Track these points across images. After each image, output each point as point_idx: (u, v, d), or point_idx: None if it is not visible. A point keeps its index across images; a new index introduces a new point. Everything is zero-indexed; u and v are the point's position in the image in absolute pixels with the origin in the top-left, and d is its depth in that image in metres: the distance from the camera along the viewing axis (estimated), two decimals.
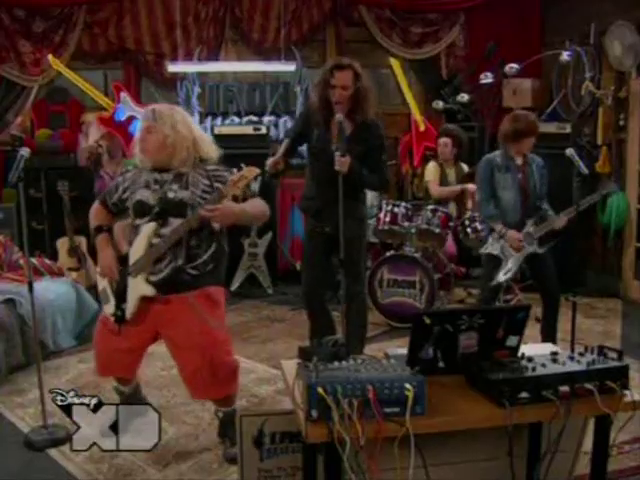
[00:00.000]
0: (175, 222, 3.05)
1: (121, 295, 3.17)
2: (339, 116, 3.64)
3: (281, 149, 3.98)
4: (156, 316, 3.14)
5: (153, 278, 3.09)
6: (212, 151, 3.21)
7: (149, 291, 3.09)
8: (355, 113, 3.76)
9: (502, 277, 4.29)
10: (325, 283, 4.28)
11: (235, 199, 3.07)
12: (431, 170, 6.07)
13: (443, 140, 6.06)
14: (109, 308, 3.22)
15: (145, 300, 3.11)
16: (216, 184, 3.08)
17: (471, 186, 5.87)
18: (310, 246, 4.12)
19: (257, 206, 3.25)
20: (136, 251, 3.12)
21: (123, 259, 3.19)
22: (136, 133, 3.25)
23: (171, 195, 3.08)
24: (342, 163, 3.58)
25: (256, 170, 2.98)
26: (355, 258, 3.96)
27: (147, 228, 3.09)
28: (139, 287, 3.11)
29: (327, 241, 3.96)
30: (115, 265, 3.19)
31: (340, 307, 3.90)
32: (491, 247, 4.34)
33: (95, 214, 3.35)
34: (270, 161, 3.93)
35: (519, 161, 4.31)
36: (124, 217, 3.37)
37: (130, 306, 3.14)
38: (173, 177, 3.11)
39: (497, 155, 4.36)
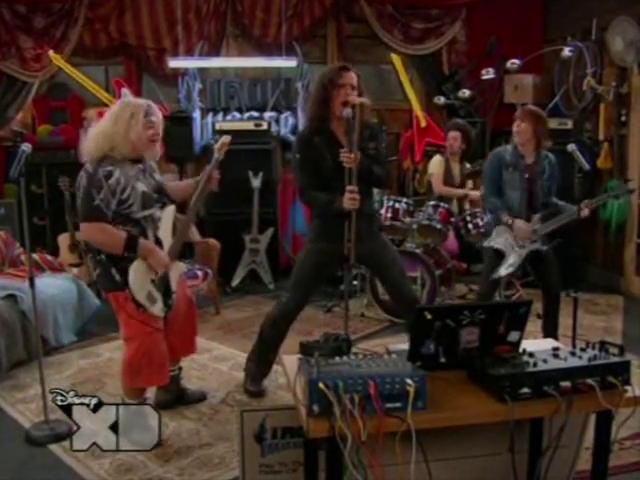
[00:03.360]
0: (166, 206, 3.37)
1: (167, 288, 3.36)
2: (348, 111, 3.44)
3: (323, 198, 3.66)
4: None
5: None
6: None
7: (184, 267, 3.51)
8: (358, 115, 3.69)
9: (503, 271, 4.26)
10: (308, 301, 3.98)
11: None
12: (435, 164, 6.05)
13: (453, 134, 6.02)
14: (157, 307, 3.30)
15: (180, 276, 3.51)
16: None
17: (473, 193, 5.87)
18: (309, 264, 3.79)
19: None
20: (165, 239, 3.32)
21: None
22: (140, 125, 3.16)
23: (158, 180, 3.38)
24: (350, 159, 3.41)
25: (229, 137, 3.49)
26: (397, 261, 3.88)
27: (167, 214, 3.34)
28: (177, 269, 3.45)
29: (334, 261, 3.79)
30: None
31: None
32: (494, 241, 4.30)
33: (108, 233, 3.14)
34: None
35: (530, 160, 4.26)
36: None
37: (175, 291, 3.43)
38: (145, 166, 3.32)
39: (507, 151, 4.30)
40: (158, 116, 3.28)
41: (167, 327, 3.43)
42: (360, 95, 3.54)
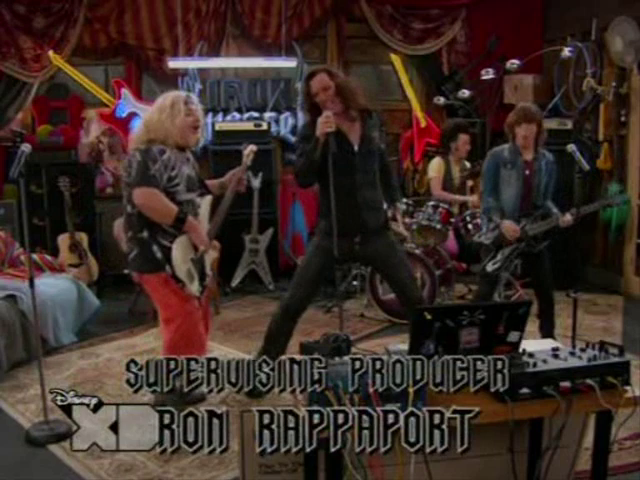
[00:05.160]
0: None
1: (202, 271, 3.53)
2: (327, 113, 3.53)
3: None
4: None
5: None
6: None
7: (216, 253, 3.75)
8: (350, 108, 3.69)
9: (490, 267, 4.30)
10: (313, 299, 4.05)
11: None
12: (434, 167, 6.03)
13: (464, 137, 5.97)
14: (195, 286, 3.47)
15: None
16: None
17: (473, 199, 5.86)
18: (316, 262, 3.82)
19: None
20: (203, 225, 3.53)
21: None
22: (182, 113, 3.37)
23: (197, 170, 3.59)
24: (328, 121, 3.48)
25: (255, 147, 3.82)
26: (405, 262, 3.92)
27: (205, 203, 3.57)
28: (210, 254, 3.62)
29: (335, 258, 3.71)
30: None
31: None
32: (484, 236, 4.35)
33: (162, 200, 3.29)
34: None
35: (528, 157, 4.28)
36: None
37: (209, 274, 3.61)
38: (189, 155, 3.54)
39: (505, 149, 4.32)
40: (197, 105, 3.50)
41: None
42: (338, 85, 3.61)
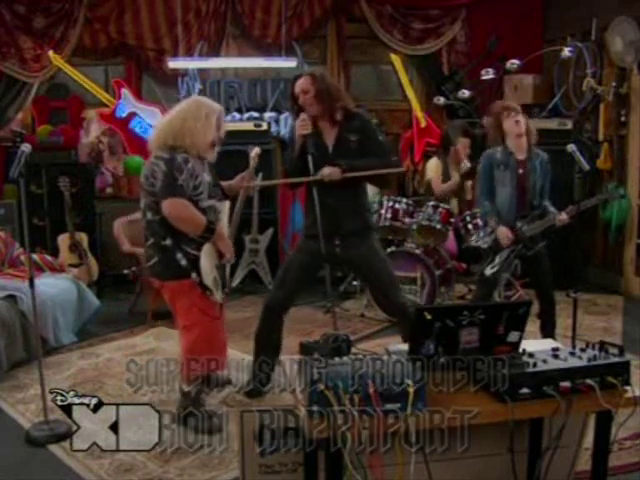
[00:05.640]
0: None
1: (224, 277, 3.51)
2: (303, 116, 3.68)
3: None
4: None
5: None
6: None
7: (232, 260, 3.57)
8: (331, 113, 3.72)
9: (488, 271, 4.30)
10: (295, 300, 4.02)
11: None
12: (432, 168, 6.03)
13: (464, 141, 5.96)
14: (219, 293, 3.43)
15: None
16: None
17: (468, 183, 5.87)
18: (297, 262, 3.88)
19: None
20: (224, 229, 3.49)
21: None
22: (212, 125, 3.34)
23: (214, 176, 3.52)
24: (305, 124, 3.64)
25: (259, 149, 3.86)
26: (387, 267, 3.89)
27: (225, 207, 3.52)
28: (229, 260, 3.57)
29: (321, 258, 3.76)
30: None
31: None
32: (482, 240, 4.37)
33: (191, 210, 3.25)
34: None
35: (521, 156, 4.29)
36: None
37: (227, 281, 3.59)
38: (206, 163, 3.45)
39: (498, 151, 4.33)
40: (224, 122, 3.49)
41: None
42: (319, 91, 3.66)
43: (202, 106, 3.36)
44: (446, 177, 5.98)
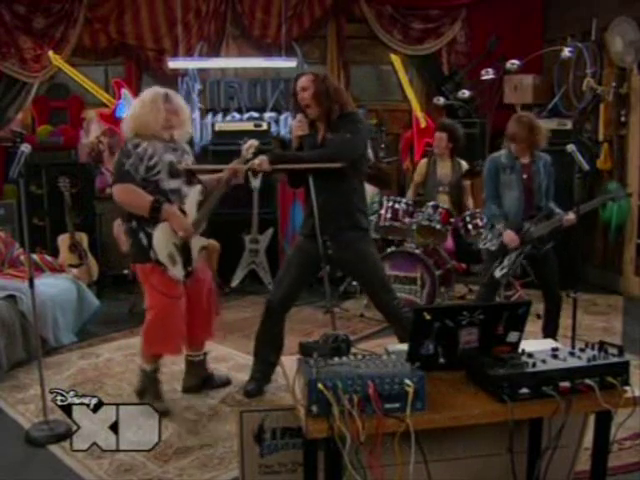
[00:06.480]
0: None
1: (187, 256, 3.66)
2: (299, 117, 3.75)
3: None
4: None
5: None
6: None
7: (205, 241, 3.80)
8: (328, 114, 3.70)
9: (498, 273, 4.30)
10: (295, 300, 4.03)
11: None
12: (417, 170, 6.18)
13: (438, 135, 5.99)
14: (178, 270, 3.61)
15: (200, 251, 3.78)
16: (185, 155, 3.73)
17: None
18: (294, 262, 3.89)
19: None
20: (190, 212, 3.65)
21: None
22: (160, 108, 3.57)
23: (188, 160, 3.71)
24: (300, 126, 3.73)
25: (257, 141, 3.86)
26: (378, 269, 3.91)
27: (194, 192, 3.68)
28: (198, 242, 3.74)
29: (318, 257, 3.71)
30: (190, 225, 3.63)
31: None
32: (489, 243, 4.36)
33: (136, 193, 3.47)
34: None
35: (525, 160, 4.29)
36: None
37: (195, 260, 3.72)
38: (177, 146, 3.68)
39: (502, 155, 4.35)
40: (176, 103, 3.70)
41: (190, 311, 3.74)
42: (317, 90, 3.66)
43: (147, 93, 3.68)
44: (433, 176, 5.97)
